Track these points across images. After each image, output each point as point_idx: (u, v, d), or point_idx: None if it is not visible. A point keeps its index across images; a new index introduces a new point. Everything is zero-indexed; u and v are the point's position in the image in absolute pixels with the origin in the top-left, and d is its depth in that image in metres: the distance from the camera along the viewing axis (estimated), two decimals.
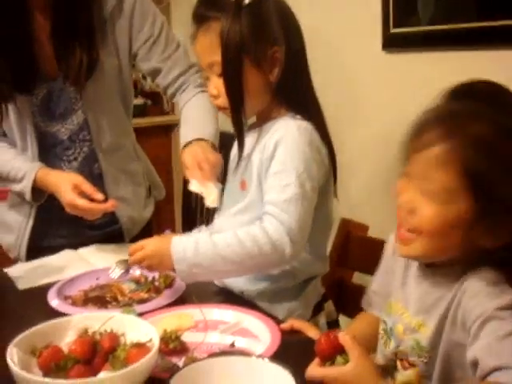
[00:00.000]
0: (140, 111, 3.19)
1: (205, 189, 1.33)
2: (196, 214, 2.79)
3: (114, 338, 0.97)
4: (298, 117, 1.29)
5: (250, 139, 1.37)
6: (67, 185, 1.51)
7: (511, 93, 0.97)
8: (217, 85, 1.30)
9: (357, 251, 1.64)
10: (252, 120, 1.39)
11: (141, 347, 0.92)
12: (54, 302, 1.29)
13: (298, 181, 1.22)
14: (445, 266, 0.99)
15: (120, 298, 1.34)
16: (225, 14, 1.24)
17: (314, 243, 1.34)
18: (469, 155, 0.90)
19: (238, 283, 1.33)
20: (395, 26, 1.85)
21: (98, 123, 1.67)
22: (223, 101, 1.31)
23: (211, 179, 1.33)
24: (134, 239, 1.66)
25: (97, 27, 1.59)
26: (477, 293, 0.92)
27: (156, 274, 1.40)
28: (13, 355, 0.92)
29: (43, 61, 1.60)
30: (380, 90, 1.94)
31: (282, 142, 1.26)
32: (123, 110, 1.74)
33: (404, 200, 0.97)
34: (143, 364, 0.88)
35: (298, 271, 1.32)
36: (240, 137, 1.35)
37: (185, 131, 1.56)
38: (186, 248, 1.21)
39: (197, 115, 1.64)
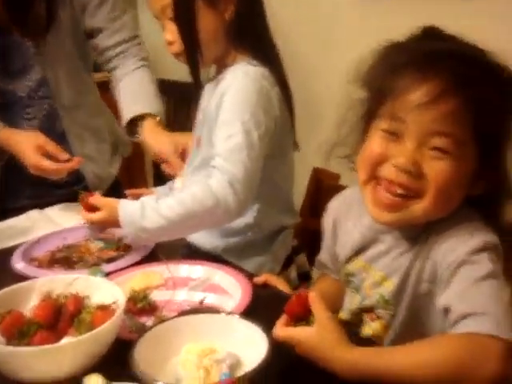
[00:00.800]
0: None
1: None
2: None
3: (79, 300, 0.94)
4: (254, 62, 1.24)
5: (207, 91, 1.33)
6: (30, 146, 1.46)
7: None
8: (171, 29, 1.25)
9: (329, 201, 1.62)
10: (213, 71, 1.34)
11: (106, 309, 0.89)
12: (19, 264, 1.25)
13: (242, 129, 1.17)
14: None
15: (88, 257, 1.30)
16: None
17: (274, 194, 1.31)
18: (478, 108, 0.86)
19: (204, 239, 1.31)
20: None
21: (56, 79, 1.60)
22: (178, 46, 1.26)
23: None
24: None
25: None
26: (447, 237, 0.90)
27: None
28: None
29: None
30: (355, 39, 1.88)
31: (228, 90, 1.21)
32: (82, 65, 1.69)
33: (402, 162, 0.88)
34: (108, 327, 0.85)
35: (262, 224, 1.30)
36: (197, 86, 1.31)
37: (133, 103, 1.55)
38: (132, 212, 1.18)
39: (143, 89, 1.61)
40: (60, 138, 1.60)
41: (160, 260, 1.18)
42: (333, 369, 0.83)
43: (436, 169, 0.87)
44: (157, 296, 1.06)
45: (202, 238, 1.31)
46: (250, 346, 0.84)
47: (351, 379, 0.82)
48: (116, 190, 1.71)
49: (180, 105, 2.83)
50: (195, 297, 1.07)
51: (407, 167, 0.88)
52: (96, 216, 1.24)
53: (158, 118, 1.54)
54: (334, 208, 1.13)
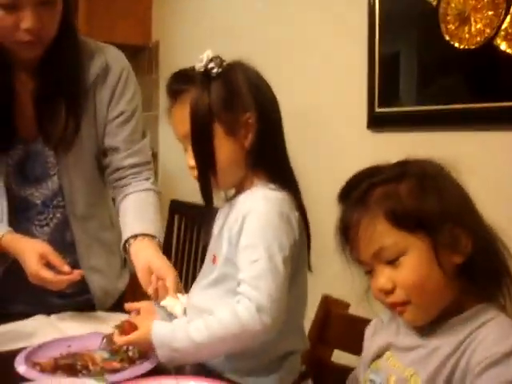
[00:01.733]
0: None
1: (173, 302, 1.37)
2: None
3: None
4: (272, 186, 1.27)
5: (223, 212, 1.36)
6: (33, 254, 1.47)
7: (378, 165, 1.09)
8: (193, 156, 1.29)
9: (337, 329, 1.61)
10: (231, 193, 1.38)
11: None
12: (21, 368, 1.22)
13: (266, 254, 1.18)
14: (441, 318, 1.03)
15: (91, 366, 1.27)
16: (194, 86, 1.26)
17: (287, 317, 1.29)
18: (387, 208, 1.01)
19: (216, 364, 1.28)
20: (380, 106, 1.89)
21: (72, 190, 1.64)
22: (194, 169, 1.29)
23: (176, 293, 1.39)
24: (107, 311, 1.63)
25: (81, 92, 1.58)
26: (485, 336, 0.95)
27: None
28: None
29: (22, 121, 1.58)
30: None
31: (250, 214, 1.23)
32: (99, 177, 1.71)
33: (378, 288, 1.04)
34: None
35: (273, 347, 1.27)
36: (208, 209, 1.33)
37: (132, 221, 1.58)
38: (164, 333, 1.20)
39: (145, 208, 1.64)
40: (69, 248, 1.62)
41: (168, 374, 1.15)
42: None
43: (400, 275, 1.01)
44: None
45: (213, 362, 1.29)
46: None
47: None
48: (122, 305, 1.63)
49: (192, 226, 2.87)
50: None
51: (383, 288, 1.03)
52: (132, 337, 1.25)
53: (156, 240, 1.55)
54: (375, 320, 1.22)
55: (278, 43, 2.43)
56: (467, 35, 1.61)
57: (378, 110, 1.89)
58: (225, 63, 1.27)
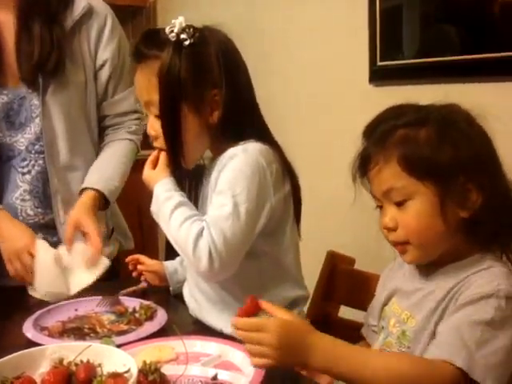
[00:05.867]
0: None
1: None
2: None
3: (90, 368, 0.92)
4: (250, 141, 1.26)
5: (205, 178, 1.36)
6: (17, 245, 1.48)
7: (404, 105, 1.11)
8: (154, 125, 1.28)
9: (343, 285, 1.61)
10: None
11: (118, 377, 0.88)
12: (30, 333, 1.24)
13: (232, 202, 1.19)
14: (441, 262, 1.07)
15: (99, 329, 1.28)
16: (164, 54, 1.23)
17: (277, 268, 1.31)
18: (401, 153, 1.03)
19: (216, 320, 1.30)
20: (382, 60, 1.85)
21: (53, 135, 1.60)
22: (162, 142, 1.29)
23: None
24: None
25: (64, 28, 1.58)
26: (474, 281, 1.00)
27: (137, 306, 1.36)
28: None
29: (4, 66, 1.57)
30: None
31: (227, 164, 1.24)
32: (85, 131, 1.66)
33: (382, 224, 1.08)
34: None
35: (265, 294, 1.27)
36: (180, 182, 1.32)
37: (90, 174, 1.60)
38: (160, 194, 1.27)
39: (108, 161, 1.64)
40: (47, 201, 1.60)
41: (174, 334, 1.16)
42: (303, 355, 0.94)
43: (403, 217, 1.05)
44: (168, 370, 1.03)
45: (214, 320, 1.30)
46: None
47: (318, 367, 0.95)
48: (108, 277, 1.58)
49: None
50: (208, 373, 1.05)
51: (386, 226, 1.07)
52: (152, 173, 1.31)
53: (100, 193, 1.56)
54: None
55: None
56: None
57: (379, 63, 1.86)
58: (197, 34, 1.24)
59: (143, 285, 1.54)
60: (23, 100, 1.60)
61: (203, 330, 1.28)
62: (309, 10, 2.19)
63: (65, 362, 0.94)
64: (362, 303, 1.50)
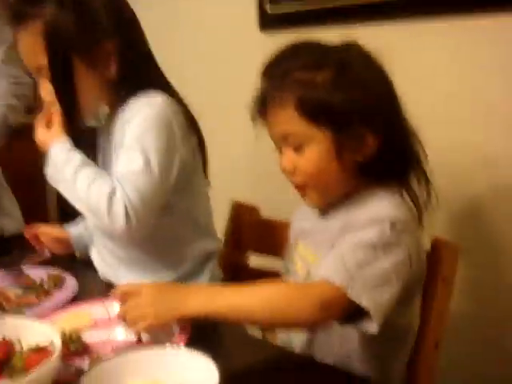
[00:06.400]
0: None
1: None
2: None
3: (8, 345, 0.88)
4: (151, 92, 1.23)
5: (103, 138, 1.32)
6: None
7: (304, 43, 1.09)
8: (48, 90, 1.21)
9: (251, 234, 1.63)
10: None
11: (41, 351, 0.84)
12: None
13: (142, 155, 1.16)
14: (336, 202, 1.10)
15: (6, 305, 1.22)
16: (46, 10, 1.15)
17: (192, 220, 1.31)
18: (297, 97, 1.01)
19: (127, 277, 1.28)
20: (272, 4, 1.84)
21: None
22: (54, 104, 1.22)
23: None
24: None
25: None
26: (367, 209, 1.03)
27: (44, 276, 1.30)
28: None
29: None
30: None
31: (132, 119, 1.20)
32: None
33: (281, 167, 1.08)
34: (45, 369, 0.80)
35: (187, 251, 1.29)
36: (77, 143, 1.25)
37: None
38: (57, 157, 1.20)
39: None
40: None
41: (97, 299, 1.12)
42: (179, 302, 0.95)
43: (300, 161, 1.05)
44: (91, 337, 1.01)
45: (129, 281, 1.27)
46: (200, 377, 0.81)
47: (196, 309, 0.94)
48: None
49: None
50: (132, 335, 1.02)
51: (285, 169, 1.08)
52: (42, 135, 1.24)
53: None
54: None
55: None
56: None
57: (269, 10, 1.84)
58: None
59: (46, 254, 1.47)
60: None
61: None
62: None
63: None
64: (270, 250, 1.54)
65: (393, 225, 0.98)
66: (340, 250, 0.99)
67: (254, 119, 1.11)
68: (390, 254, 0.96)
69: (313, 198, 1.11)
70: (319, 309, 0.92)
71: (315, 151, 1.04)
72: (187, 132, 1.25)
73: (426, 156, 1.09)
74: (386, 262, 0.96)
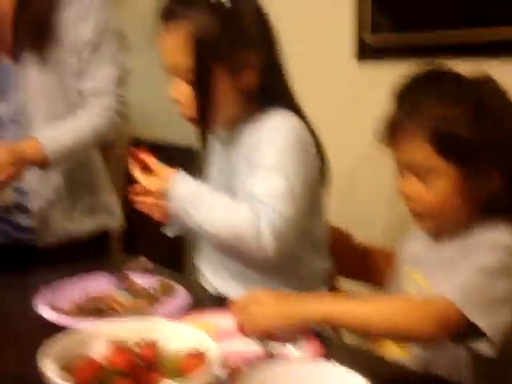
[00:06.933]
0: None
1: None
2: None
3: (155, 347, 0.89)
4: (283, 111, 1.24)
5: (220, 148, 1.32)
6: None
7: (439, 72, 1.12)
8: (183, 91, 1.22)
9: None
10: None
11: (197, 357, 0.84)
12: (49, 314, 1.16)
13: (286, 179, 1.17)
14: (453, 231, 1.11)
15: (119, 309, 1.23)
16: (199, 14, 1.17)
17: (312, 240, 1.32)
18: (432, 130, 1.03)
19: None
20: (373, 33, 1.83)
21: (30, 106, 1.59)
22: (189, 109, 1.23)
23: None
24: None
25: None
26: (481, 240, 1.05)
27: (154, 284, 1.31)
28: (50, 370, 0.81)
29: None
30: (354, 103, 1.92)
31: (270, 137, 1.21)
32: (63, 108, 1.63)
33: (402, 190, 1.11)
34: (208, 373, 0.80)
35: (304, 270, 1.30)
36: (204, 149, 1.29)
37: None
38: (185, 195, 1.19)
39: (69, 129, 1.59)
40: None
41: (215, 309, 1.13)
42: (300, 304, 0.99)
43: (424, 192, 1.07)
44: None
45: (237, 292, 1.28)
46: None
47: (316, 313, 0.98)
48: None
49: None
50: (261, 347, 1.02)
51: (406, 194, 1.11)
52: (153, 184, 1.21)
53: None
54: None
55: None
56: None
57: (369, 38, 1.85)
58: None
59: (142, 260, 1.48)
60: (4, 70, 1.58)
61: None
62: None
63: (125, 341, 0.89)
64: (360, 276, 1.54)
65: (511, 251, 1.00)
66: (458, 272, 1.01)
67: (381, 141, 1.13)
68: (507, 279, 0.99)
69: (429, 227, 1.13)
70: (437, 325, 0.95)
71: (441, 184, 1.05)
72: (316, 152, 1.26)
73: None
74: (503, 287, 0.98)
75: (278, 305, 1.00)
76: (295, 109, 1.28)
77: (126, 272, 1.38)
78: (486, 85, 1.08)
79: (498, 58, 1.52)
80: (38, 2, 1.58)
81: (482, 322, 0.95)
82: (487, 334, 0.95)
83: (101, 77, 1.64)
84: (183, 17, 1.19)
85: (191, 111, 1.23)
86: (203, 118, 1.22)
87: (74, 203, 1.70)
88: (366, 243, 1.56)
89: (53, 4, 1.59)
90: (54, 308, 1.21)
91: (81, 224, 1.71)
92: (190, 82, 1.20)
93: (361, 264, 1.55)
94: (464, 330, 0.97)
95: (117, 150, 2.93)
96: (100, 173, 1.80)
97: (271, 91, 1.25)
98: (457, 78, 1.11)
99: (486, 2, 1.59)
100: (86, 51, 1.62)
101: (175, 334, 0.92)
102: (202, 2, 1.18)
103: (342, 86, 1.96)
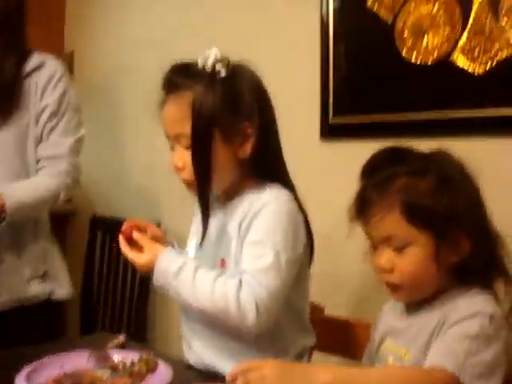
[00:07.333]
0: None
1: None
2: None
3: None
4: (275, 185, 1.30)
5: (218, 215, 1.35)
6: None
7: (403, 149, 1.19)
8: (182, 157, 1.28)
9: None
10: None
11: None
12: None
13: (272, 252, 1.21)
14: (427, 299, 1.15)
15: None
16: (198, 85, 1.24)
17: (297, 315, 1.34)
18: (403, 202, 1.10)
19: (226, 367, 1.27)
20: (334, 116, 1.94)
21: None
22: (189, 174, 1.28)
23: None
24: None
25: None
26: (460, 305, 1.09)
27: (135, 358, 1.29)
28: None
29: None
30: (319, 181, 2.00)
31: (261, 211, 1.25)
32: (22, 173, 1.78)
33: (379, 265, 1.14)
34: None
35: (291, 343, 1.30)
36: (205, 213, 1.32)
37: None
38: (169, 268, 1.22)
39: (27, 187, 1.74)
40: None
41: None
42: (306, 375, 0.96)
43: (400, 262, 1.12)
44: None
45: (220, 366, 1.29)
46: None
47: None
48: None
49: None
50: None
51: (383, 267, 1.14)
52: (142, 259, 1.25)
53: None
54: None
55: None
56: (424, 51, 1.72)
57: (332, 120, 1.95)
58: (230, 66, 1.27)
59: (121, 338, 1.47)
60: None
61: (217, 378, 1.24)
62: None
63: None
64: (332, 349, 1.55)
65: (491, 318, 1.05)
66: (445, 342, 1.04)
67: (352, 220, 1.18)
68: (491, 346, 1.02)
69: (405, 296, 1.17)
70: None
71: (417, 253, 1.11)
72: (304, 229, 1.30)
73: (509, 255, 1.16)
74: (488, 354, 1.02)
75: (285, 372, 0.97)
76: (287, 182, 1.33)
77: (106, 350, 1.36)
78: (447, 158, 1.17)
79: (452, 137, 1.63)
80: (8, 69, 1.71)
81: None
82: None
83: (58, 144, 1.80)
84: (183, 87, 1.25)
85: (189, 174, 1.27)
86: (201, 182, 1.26)
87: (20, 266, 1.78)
88: (339, 316, 1.59)
89: (22, 71, 1.75)
90: None
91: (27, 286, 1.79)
92: (188, 148, 1.25)
93: (335, 337, 1.57)
94: None
95: (77, 226, 2.94)
96: (48, 241, 1.91)
97: (265, 162, 1.30)
98: (419, 153, 1.19)
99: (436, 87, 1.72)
100: (48, 119, 1.78)
101: None
102: (198, 73, 1.25)
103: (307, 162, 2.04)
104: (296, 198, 1.33)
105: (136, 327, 2.53)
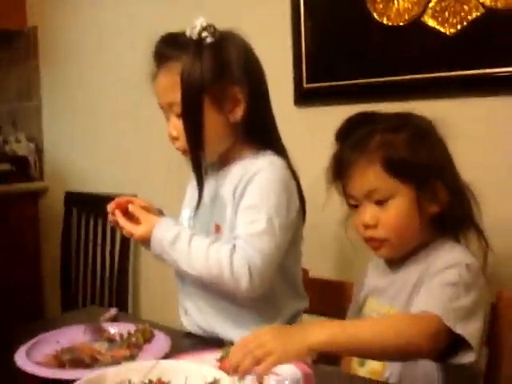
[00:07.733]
0: (3, 177, 3.00)
1: None
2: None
3: None
4: (269, 152, 1.32)
5: (212, 181, 1.37)
6: None
7: (375, 112, 1.23)
8: (176, 125, 1.29)
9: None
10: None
11: None
12: (32, 367, 1.15)
13: (266, 216, 1.23)
14: (408, 255, 1.20)
15: (100, 358, 1.23)
16: (185, 54, 1.25)
17: (292, 280, 1.37)
18: (384, 155, 1.14)
19: (221, 330, 1.32)
20: (308, 82, 1.96)
21: None
22: (183, 142, 1.29)
23: None
24: None
25: None
26: (439, 258, 1.15)
27: (132, 330, 1.32)
28: None
29: None
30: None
31: (255, 177, 1.27)
32: None
33: (363, 221, 1.18)
34: None
35: (284, 307, 1.34)
36: (200, 180, 1.34)
37: None
38: (165, 237, 1.25)
39: None
40: None
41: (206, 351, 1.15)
42: (302, 335, 0.97)
43: (384, 216, 1.16)
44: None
45: (217, 329, 1.33)
46: None
47: (321, 342, 0.97)
48: None
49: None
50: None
51: (367, 223, 1.18)
52: (139, 231, 1.27)
53: None
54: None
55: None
56: (395, 14, 1.75)
57: (306, 85, 1.97)
58: (217, 33, 1.27)
59: (112, 311, 1.49)
60: None
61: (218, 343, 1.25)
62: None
63: None
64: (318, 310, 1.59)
65: (468, 267, 1.11)
66: (430, 290, 1.10)
67: (330, 183, 1.23)
68: (470, 292, 1.09)
69: (389, 251, 1.21)
70: (430, 339, 1.01)
71: (399, 205, 1.16)
72: (297, 195, 1.33)
73: (480, 211, 1.21)
74: (468, 300, 1.08)
75: (282, 334, 0.97)
76: (280, 148, 1.35)
77: (100, 323, 1.38)
78: (418, 117, 1.22)
79: (417, 99, 1.68)
80: None
81: (460, 330, 1.03)
82: (470, 342, 1.03)
83: None
84: (172, 58, 1.26)
85: (183, 142, 1.29)
86: (193, 148, 1.28)
87: None
88: (322, 277, 1.63)
89: None
90: (32, 361, 1.19)
91: None
92: (181, 117, 1.27)
93: (319, 298, 1.61)
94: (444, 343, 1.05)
95: (51, 203, 2.92)
96: None
97: (257, 127, 1.31)
98: (391, 113, 1.23)
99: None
100: None
101: (187, 373, 0.94)
102: (186, 43, 1.26)
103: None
104: (289, 165, 1.35)
105: (118, 301, 2.54)
